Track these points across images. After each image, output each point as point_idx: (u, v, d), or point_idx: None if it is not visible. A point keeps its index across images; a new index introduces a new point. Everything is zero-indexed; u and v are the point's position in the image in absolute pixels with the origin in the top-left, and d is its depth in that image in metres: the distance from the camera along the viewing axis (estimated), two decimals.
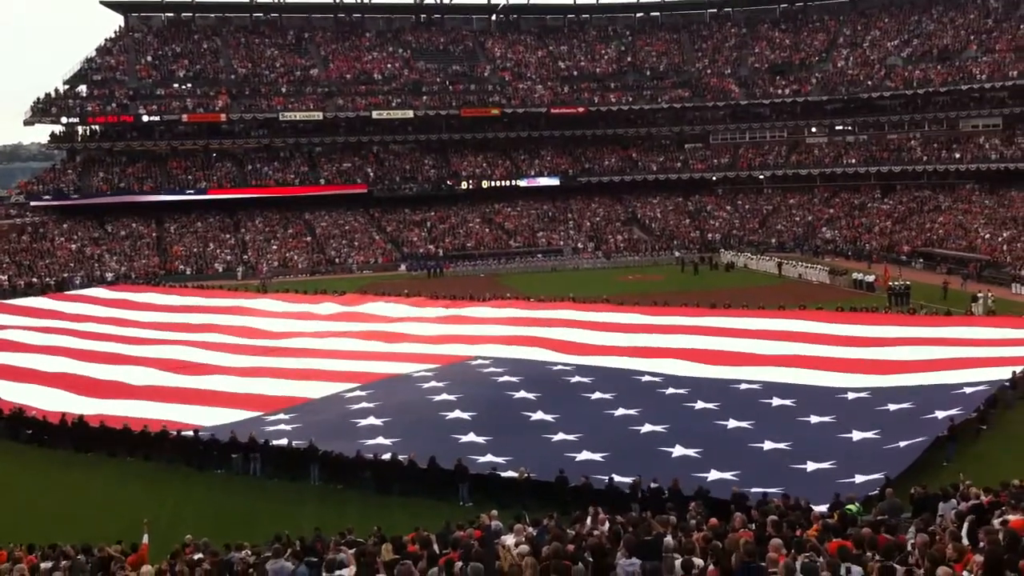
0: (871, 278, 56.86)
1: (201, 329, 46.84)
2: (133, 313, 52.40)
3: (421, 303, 51.18)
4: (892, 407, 27.94)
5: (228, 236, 79.98)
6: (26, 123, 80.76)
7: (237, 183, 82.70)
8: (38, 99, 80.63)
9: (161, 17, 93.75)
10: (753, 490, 21.32)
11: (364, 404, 30.34)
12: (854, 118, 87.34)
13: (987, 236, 66.14)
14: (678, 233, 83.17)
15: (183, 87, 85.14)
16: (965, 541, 13.62)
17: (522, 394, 30.78)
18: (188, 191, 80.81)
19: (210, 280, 68.08)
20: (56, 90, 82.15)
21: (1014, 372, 30.33)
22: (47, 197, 78.71)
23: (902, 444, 24.17)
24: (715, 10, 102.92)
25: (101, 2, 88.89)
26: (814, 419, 27.42)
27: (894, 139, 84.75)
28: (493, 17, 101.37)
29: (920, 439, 24.40)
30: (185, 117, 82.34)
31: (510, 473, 23.44)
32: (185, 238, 78.82)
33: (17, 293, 62.41)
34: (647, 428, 26.86)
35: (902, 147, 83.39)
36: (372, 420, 28.30)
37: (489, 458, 24.53)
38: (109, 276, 69.08)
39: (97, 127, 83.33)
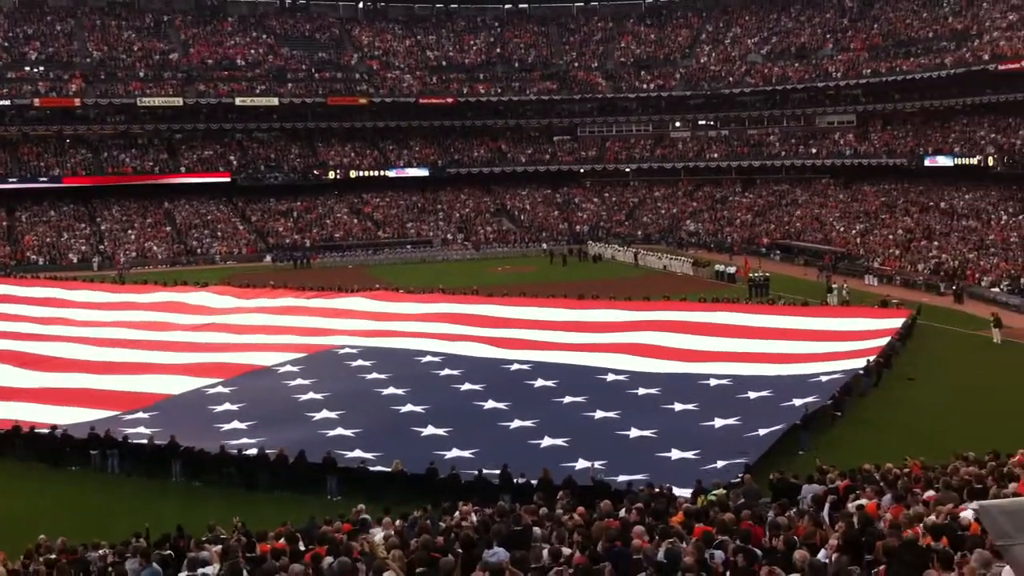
0: (732, 269, 58.42)
1: (53, 322, 44.89)
2: None
3: (286, 294, 50.27)
4: (752, 395, 28.79)
5: (83, 225, 77.04)
6: None
7: (93, 171, 79.69)
8: None
9: None
10: (620, 478, 21.65)
11: (228, 404, 29.47)
12: (716, 113, 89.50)
13: (841, 229, 68.71)
14: (547, 225, 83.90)
15: (35, 70, 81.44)
16: (825, 524, 14.10)
17: (391, 390, 30.52)
18: (41, 178, 77.47)
19: (64, 271, 65.57)
20: None
21: (868, 361, 31.57)
22: None
23: (761, 432, 24.88)
24: (582, 3, 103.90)
25: None
26: (678, 407, 28.02)
27: (754, 134, 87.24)
28: (360, 5, 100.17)
29: (778, 426, 25.18)
30: (37, 101, 78.74)
31: (380, 468, 23.21)
32: (38, 227, 75.53)
33: None
34: (516, 423, 26.95)
35: (762, 142, 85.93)
36: (236, 423, 27.49)
37: (358, 453, 24.24)
38: None
39: None
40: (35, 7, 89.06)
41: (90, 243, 74.30)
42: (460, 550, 12.77)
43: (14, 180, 76.80)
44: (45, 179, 77.52)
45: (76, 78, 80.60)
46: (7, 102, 77.90)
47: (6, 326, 43.99)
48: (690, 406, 28.06)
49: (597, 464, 22.54)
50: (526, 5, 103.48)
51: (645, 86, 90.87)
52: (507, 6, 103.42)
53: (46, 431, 26.82)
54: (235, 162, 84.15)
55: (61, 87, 79.66)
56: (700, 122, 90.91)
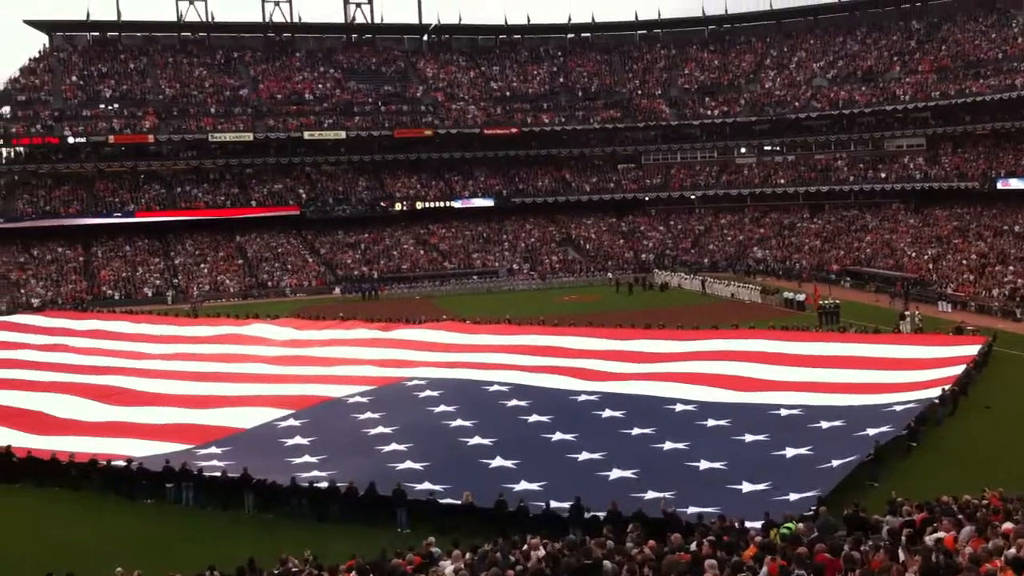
0: (802, 297, 57.74)
1: (131, 356, 45.88)
2: (59, 339, 51.16)
3: (356, 326, 50.78)
4: (824, 424, 28.38)
5: (157, 260, 78.72)
6: None
7: (166, 205, 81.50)
8: None
9: (87, 36, 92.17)
10: (690, 510, 21.44)
11: (299, 438, 29.74)
12: (782, 138, 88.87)
13: (913, 254, 67.59)
14: (612, 253, 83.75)
15: (110, 108, 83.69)
16: (902, 557, 13.83)
17: (459, 422, 30.55)
18: (116, 214, 79.43)
19: (139, 305, 67.02)
20: None
21: (943, 390, 30.94)
22: None
23: (835, 463, 24.47)
24: (645, 31, 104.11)
25: (25, 21, 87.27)
26: (748, 438, 27.70)
27: (821, 159, 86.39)
28: (424, 38, 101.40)
29: (851, 457, 24.74)
30: (112, 138, 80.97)
31: (449, 500, 23.25)
32: (113, 262, 77.36)
33: None
34: (584, 455, 26.81)
35: (829, 167, 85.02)
36: (307, 457, 27.65)
37: (427, 485, 24.30)
38: (35, 302, 67.57)
39: (22, 149, 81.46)
40: (109, 45, 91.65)
41: (164, 277, 75.84)
42: None
43: (90, 216, 78.75)
44: (120, 214, 79.43)
45: (149, 115, 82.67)
46: (83, 139, 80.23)
47: (82, 360, 45.05)
48: (761, 436, 27.71)
49: (667, 495, 22.37)
50: (589, 34, 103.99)
51: (709, 112, 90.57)
52: (570, 36, 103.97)
53: (122, 464, 27.31)
54: (304, 195, 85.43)
55: (135, 124, 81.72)
56: (766, 148, 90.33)
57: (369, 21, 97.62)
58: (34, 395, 37.26)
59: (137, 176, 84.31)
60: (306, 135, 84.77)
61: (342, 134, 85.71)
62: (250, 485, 25.16)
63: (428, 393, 34.86)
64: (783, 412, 30.12)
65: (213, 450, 28.93)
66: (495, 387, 35.36)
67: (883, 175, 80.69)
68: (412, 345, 44.65)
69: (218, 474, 26.04)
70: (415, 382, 36.85)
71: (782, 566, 13.31)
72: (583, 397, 33.34)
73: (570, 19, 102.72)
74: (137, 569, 17.44)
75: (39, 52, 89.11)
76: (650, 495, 22.92)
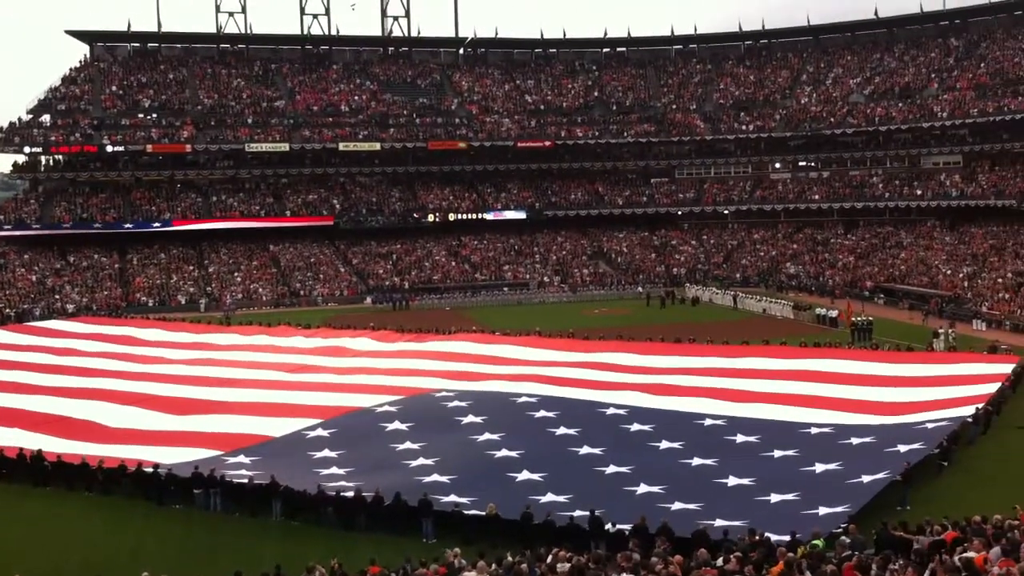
0: (834, 313, 57.36)
1: (159, 362, 46.32)
2: (91, 345, 51.76)
3: (386, 336, 50.98)
4: (855, 441, 28.19)
5: (192, 267, 79.40)
6: None
7: (201, 214, 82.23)
8: (0, 128, 79.88)
9: (127, 47, 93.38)
10: (717, 523, 21.34)
11: (327, 450, 29.79)
12: (817, 154, 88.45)
13: (948, 272, 66.96)
14: (644, 267, 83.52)
15: (148, 117, 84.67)
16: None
17: (486, 436, 30.51)
18: (152, 222, 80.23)
19: (173, 312, 67.55)
20: (19, 119, 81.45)
21: (976, 408, 30.61)
22: (8, 227, 77.70)
23: (865, 479, 24.28)
24: (681, 46, 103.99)
25: (67, 31, 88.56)
26: (777, 453, 27.56)
27: (856, 175, 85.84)
28: (460, 51, 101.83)
29: (882, 474, 24.52)
30: (150, 147, 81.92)
31: (476, 511, 23.25)
32: (148, 269, 78.12)
33: None
34: (612, 469, 26.72)
35: (864, 183, 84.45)
36: (335, 468, 27.69)
37: (453, 498, 24.30)
38: (70, 308, 68.30)
39: (60, 157, 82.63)
40: (148, 56, 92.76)
41: (198, 285, 76.45)
42: None
43: (127, 224, 79.63)
44: (156, 223, 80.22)
45: (187, 125, 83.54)
46: (121, 148, 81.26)
47: (113, 365, 45.52)
48: (790, 452, 27.58)
49: (693, 505, 22.33)
50: (624, 49, 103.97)
51: (744, 127, 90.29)
52: (605, 50, 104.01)
53: (150, 470, 27.54)
54: (338, 206, 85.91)
55: (173, 133, 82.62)
56: (801, 163, 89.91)
57: (405, 34, 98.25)
58: (64, 400, 37.62)
59: (174, 185, 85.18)
60: (341, 146, 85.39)
61: (376, 145, 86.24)
62: (278, 492, 25.29)
63: (456, 404, 34.89)
64: (813, 431, 29.89)
65: (241, 458, 29.07)
66: (523, 399, 35.32)
67: (919, 192, 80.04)
68: (441, 356, 44.74)
69: (246, 481, 26.19)
70: (443, 393, 36.89)
71: None
72: (611, 410, 33.24)
73: (606, 33, 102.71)
74: (164, 574, 17.56)
75: (80, 62, 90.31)
76: (676, 506, 22.85)
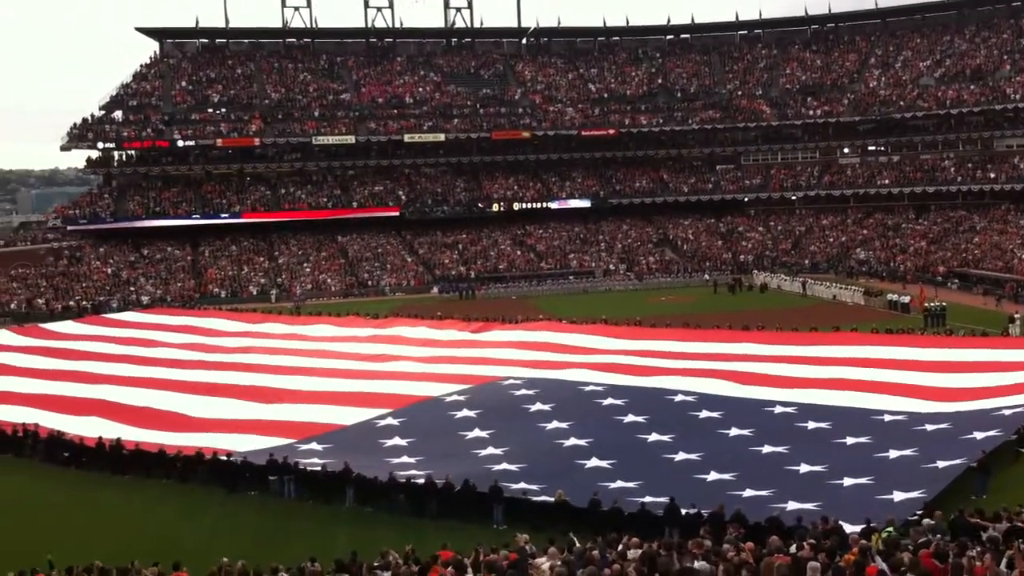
0: (907, 299, 56.40)
1: (232, 351, 47.19)
2: (166, 335, 52.85)
3: (453, 325, 51.29)
4: (929, 427, 27.75)
5: (262, 259, 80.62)
6: (63, 148, 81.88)
7: (271, 207, 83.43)
8: (75, 125, 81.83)
9: (196, 43, 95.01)
10: (789, 507, 21.19)
11: (397, 438, 30.13)
12: (887, 138, 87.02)
13: (1023, 256, 65.46)
14: (710, 254, 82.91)
15: (217, 112, 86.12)
16: (1003, 565, 13.50)
17: (555, 424, 30.54)
18: (223, 215, 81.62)
19: (244, 303, 68.64)
20: (92, 115, 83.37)
21: None
22: (83, 221, 79.76)
23: (940, 464, 23.95)
24: (745, 32, 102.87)
25: (137, 28, 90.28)
26: (850, 440, 27.23)
27: (927, 159, 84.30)
28: (523, 41, 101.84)
29: (958, 460, 24.14)
30: (219, 141, 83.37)
31: (545, 498, 23.35)
32: (220, 261, 79.51)
33: (54, 317, 63.18)
34: (681, 456, 26.66)
35: (936, 167, 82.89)
36: (405, 457, 27.99)
37: (522, 485, 24.43)
38: (145, 300, 69.80)
39: (133, 152, 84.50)
40: (217, 52, 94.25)
41: (269, 276, 77.61)
42: None
43: (198, 216, 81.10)
44: (227, 215, 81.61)
45: (255, 118, 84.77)
46: (191, 142, 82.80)
47: (186, 355, 46.44)
48: (863, 439, 27.21)
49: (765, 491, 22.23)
50: (688, 35, 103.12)
51: (811, 112, 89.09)
52: (669, 37, 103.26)
53: (225, 458, 28.10)
54: (403, 196, 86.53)
55: (241, 127, 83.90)
56: (870, 148, 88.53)
57: (469, 25, 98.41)
58: (140, 390, 38.46)
59: (243, 178, 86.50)
60: (406, 138, 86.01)
61: (441, 136, 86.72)
62: (351, 479, 25.63)
63: (524, 392, 35.00)
64: (887, 417, 29.44)
65: (313, 446, 29.51)
66: (591, 387, 35.32)
67: (992, 175, 78.33)
68: (508, 344, 44.90)
69: (319, 468, 26.59)
70: (511, 381, 37.03)
71: (882, 570, 13.11)
72: (680, 397, 33.10)
73: (669, 20, 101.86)
74: (241, 560, 17.90)
75: (150, 58, 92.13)
76: (748, 492, 22.77)
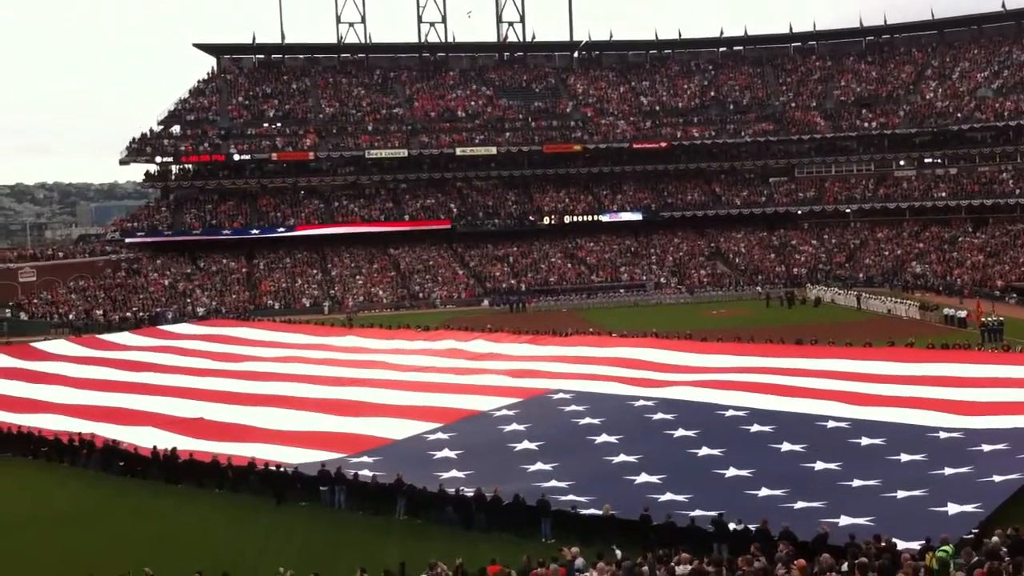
0: (963, 314, 55.51)
1: (287, 361, 47.69)
2: (222, 347, 53.48)
3: (503, 338, 51.34)
4: (986, 447, 27.16)
5: (315, 271, 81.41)
6: (122, 162, 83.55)
7: (324, 219, 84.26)
8: (133, 139, 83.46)
9: (252, 59, 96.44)
10: (841, 521, 20.93)
11: (447, 451, 30.21)
12: (943, 150, 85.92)
13: None
14: (763, 267, 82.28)
15: (273, 126, 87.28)
16: None
17: (604, 438, 30.45)
18: (277, 228, 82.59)
19: (297, 315, 69.33)
20: (151, 130, 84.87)
21: None
22: (141, 234, 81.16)
23: (996, 479, 23.52)
24: (799, 43, 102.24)
25: (194, 45, 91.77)
26: (904, 457, 26.77)
27: (985, 172, 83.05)
28: (575, 54, 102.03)
29: (1015, 475, 23.69)
30: (274, 155, 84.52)
31: (593, 511, 23.30)
32: (274, 273, 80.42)
33: (112, 328, 64.22)
34: (732, 472, 26.44)
35: (994, 180, 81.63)
36: (455, 471, 27.92)
37: (571, 498, 24.38)
38: (200, 311, 70.78)
39: (190, 166, 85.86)
40: (273, 67, 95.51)
41: (321, 288, 78.34)
42: None
43: (253, 229, 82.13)
44: (281, 228, 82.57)
45: (310, 133, 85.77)
46: (247, 156, 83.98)
47: (241, 367, 46.95)
48: (918, 456, 26.73)
49: (824, 521, 21.93)
50: (741, 48, 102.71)
51: (866, 124, 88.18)
52: (721, 49, 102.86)
53: (276, 468, 28.38)
54: (455, 209, 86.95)
55: (296, 141, 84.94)
56: (926, 160, 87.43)
57: (521, 39, 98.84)
58: (196, 402, 38.94)
59: (297, 191, 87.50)
60: (458, 151, 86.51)
61: (493, 150, 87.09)
62: (401, 490, 25.76)
63: (573, 407, 34.89)
64: (942, 435, 28.94)
65: (365, 459, 29.66)
66: (640, 401, 35.13)
67: None
68: (558, 358, 44.80)
69: (370, 479, 26.76)
70: (560, 395, 36.96)
71: None
72: (730, 412, 32.80)
73: (722, 32, 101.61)
74: (290, 570, 18.08)
75: (207, 74, 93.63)
76: (800, 505, 22.56)
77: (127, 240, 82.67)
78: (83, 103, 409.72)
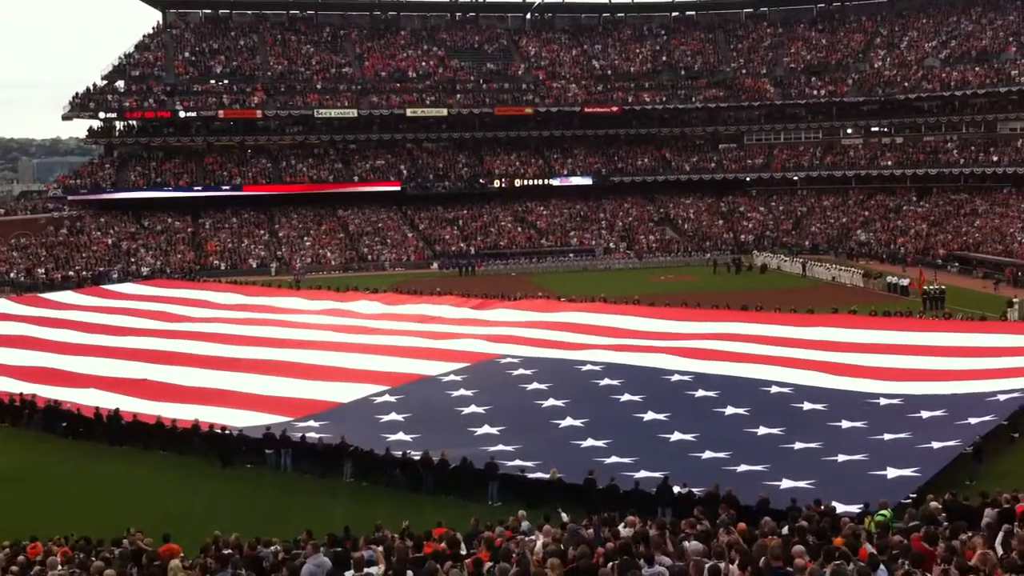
0: (906, 282, 56.39)
1: (231, 323, 47.15)
2: (166, 307, 52.85)
3: (452, 301, 51.29)
4: (925, 414, 27.74)
5: (263, 232, 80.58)
6: (64, 118, 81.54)
7: (272, 179, 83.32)
8: (76, 94, 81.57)
9: (199, 14, 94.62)
10: (783, 484, 21.30)
11: (394, 414, 30.22)
12: (890, 119, 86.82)
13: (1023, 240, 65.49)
14: (711, 234, 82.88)
15: (220, 83, 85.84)
16: (1000, 550, 13.54)
17: (551, 402, 30.70)
18: (223, 187, 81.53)
19: (244, 275, 68.54)
20: (94, 85, 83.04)
21: None
22: (84, 191, 79.70)
23: (935, 445, 24.04)
24: (751, 10, 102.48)
25: None
26: (845, 424, 27.27)
27: (930, 141, 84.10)
28: (527, 16, 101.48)
29: (953, 442, 24.24)
30: (221, 113, 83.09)
31: (540, 475, 23.47)
32: (220, 233, 79.47)
33: (54, 286, 63.19)
34: (677, 436, 26.76)
35: (938, 149, 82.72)
36: (401, 434, 27.94)
37: (518, 462, 24.55)
38: (145, 271, 69.84)
39: (134, 122, 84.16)
40: (220, 23, 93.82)
41: (269, 249, 77.60)
42: (619, 562, 12.80)
43: (199, 188, 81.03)
44: (227, 187, 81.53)
45: (258, 91, 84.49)
46: (193, 114, 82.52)
47: (185, 327, 46.41)
48: (859, 423, 27.24)
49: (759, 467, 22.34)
50: (693, 13, 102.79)
51: (815, 92, 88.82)
52: (674, 14, 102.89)
53: (221, 431, 28.20)
54: (405, 171, 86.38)
55: (244, 99, 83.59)
56: (873, 129, 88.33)
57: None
58: (139, 363, 38.46)
59: (245, 150, 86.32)
60: (408, 112, 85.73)
61: (444, 111, 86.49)
62: (348, 453, 25.74)
63: (521, 371, 35.05)
64: (882, 401, 29.47)
65: (311, 423, 29.54)
66: (588, 366, 35.36)
67: (995, 158, 78.16)
68: (507, 323, 44.90)
69: (316, 441, 26.69)
70: (508, 360, 37.09)
71: (873, 554, 13.16)
72: (676, 377, 33.18)
73: None
74: (235, 532, 17.98)
75: (153, 28, 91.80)
76: (743, 468, 22.99)
77: (70, 198, 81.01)
78: (24, 57, 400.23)
